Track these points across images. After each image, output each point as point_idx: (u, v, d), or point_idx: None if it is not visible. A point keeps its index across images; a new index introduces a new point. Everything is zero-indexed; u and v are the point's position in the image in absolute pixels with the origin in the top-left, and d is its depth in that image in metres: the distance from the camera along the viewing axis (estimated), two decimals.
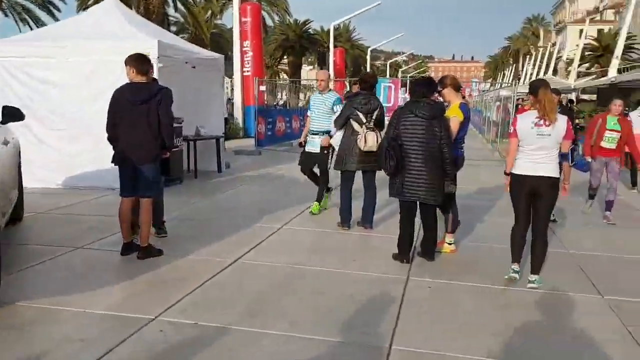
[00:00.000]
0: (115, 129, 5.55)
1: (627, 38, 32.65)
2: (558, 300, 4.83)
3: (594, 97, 31.50)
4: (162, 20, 30.22)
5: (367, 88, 6.86)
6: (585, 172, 7.56)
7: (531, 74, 53.42)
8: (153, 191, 5.70)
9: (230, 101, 25.81)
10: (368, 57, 58.20)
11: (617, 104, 8.02)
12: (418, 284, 5.09)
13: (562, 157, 4.87)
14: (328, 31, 45.30)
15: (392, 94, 13.37)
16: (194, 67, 10.91)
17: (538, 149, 4.83)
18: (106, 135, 5.64)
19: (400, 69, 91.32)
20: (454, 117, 5.85)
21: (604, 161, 8.06)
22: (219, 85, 11.90)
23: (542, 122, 4.78)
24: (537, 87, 4.95)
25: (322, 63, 49.79)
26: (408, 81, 13.44)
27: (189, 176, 10.96)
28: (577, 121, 14.72)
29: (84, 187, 8.99)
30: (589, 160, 7.82)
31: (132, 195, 5.61)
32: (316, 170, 7.83)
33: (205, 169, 11.69)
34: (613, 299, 4.83)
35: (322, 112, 7.50)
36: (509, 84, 25.36)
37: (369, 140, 6.52)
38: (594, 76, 42.72)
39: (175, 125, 10.65)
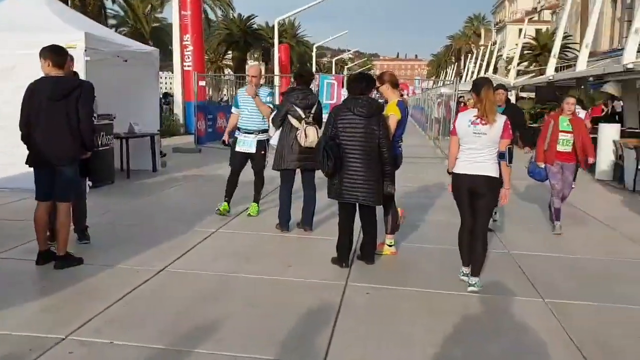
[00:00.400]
0: (29, 127, 5.07)
1: (564, 38, 33.58)
2: (499, 304, 4.69)
3: (532, 94, 32.31)
4: (99, 13, 29.08)
5: (304, 83, 6.58)
6: (543, 181, 7.49)
7: (472, 72, 54.51)
8: (71, 195, 5.24)
9: (169, 97, 25.07)
10: (314, 54, 58.08)
11: (569, 102, 7.22)
12: (356, 290, 4.84)
13: (500, 156, 4.78)
14: (273, 27, 44.85)
15: (335, 91, 13.15)
16: (125, 61, 10.37)
17: (475, 148, 4.77)
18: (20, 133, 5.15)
19: (346, 66, 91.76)
20: (392, 115, 5.69)
21: (560, 165, 7.29)
22: (153, 80, 11.37)
23: (479, 120, 4.72)
24: (480, 85, 4.84)
25: (267, 59, 49.28)
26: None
27: (122, 176, 10.41)
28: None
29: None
30: (542, 166, 7.27)
31: (48, 200, 5.14)
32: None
33: (140, 168, 11.16)
34: (554, 301, 4.73)
35: (256, 109, 7.08)
36: (451, 82, 25.63)
37: (310, 135, 6.26)
38: (532, 74, 43.90)
39: (106, 122, 10.18)
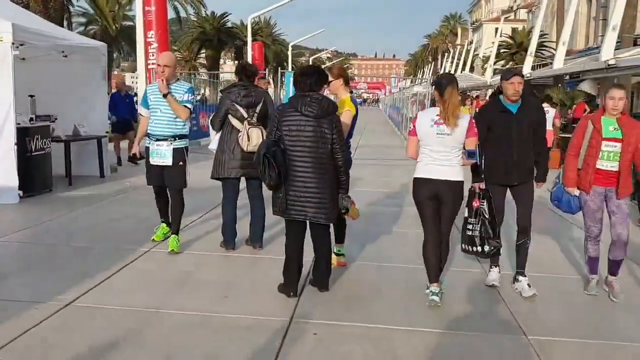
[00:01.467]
0: None
1: (540, 36, 33.26)
2: (472, 341, 3.88)
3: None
4: (62, 10, 27.80)
5: (247, 78, 5.70)
6: (574, 213, 5.14)
7: (449, 71, 54.15)
8: None
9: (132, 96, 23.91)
10: (289, 53, 57.07)
11: (615, 97, 4.67)
12: (302, 330, 3.97)
13: (469, 155, 4.43)
14: (247, 25, 43.85)
15: None
16: (65, 56, 9.40)
17: (438, 150, 4.37)
18: None
19: (323, 66, 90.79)
20: (347, 110, 4.95)
21: (603, 193, 4.84)
22: (100, 78, 10.38)
23: (442, 120, 4.34)
24: (444, 85, 4.38)
25: (239, 57, 48.13)
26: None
27: (64, 183, 9.42)
28: None
29: None
30: (576, 193, 4.93)
31: None
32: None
33: (86, 174, 10.19)
34: (536, 339, 3.93)
35: (169, 108, 5.54)
36: (425, 81, 24.98)
37: (253, 137, 5.38)
38: None
39: (40, 124, 9.18)
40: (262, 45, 45.51)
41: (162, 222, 6.09)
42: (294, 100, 4.44)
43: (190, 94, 5.64)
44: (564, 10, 35.92)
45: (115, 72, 45.26)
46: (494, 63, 44.27)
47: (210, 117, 5.78)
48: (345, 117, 4.94)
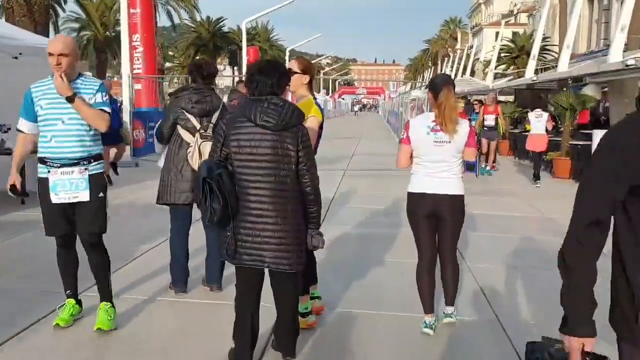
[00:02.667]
0: None
1: (542, 40, 32.33)
2: None
3: (510, 98, 30.86)
4: (46, 14, 26.81)
5: (202, 79, 4.58)
6: None
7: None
8: None
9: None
10: (287, 57, 56.06)
11: None
12: None
13: (469, 168, 4.35)
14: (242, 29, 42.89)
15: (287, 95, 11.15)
16: (15, 58, 8.32)
17: (436, 160, 3.92)
18: None
19: (322, 71, 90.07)
20: (312, 116, 3.90)
21: None
22: None
23: (439, 127, 3.89)
24: (438, 86, 3.94)
25: (234, 63, 47.12)
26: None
27: (16, 201, 8.29)
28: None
29: None
30: None
31: None
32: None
33: None
34: None
35: (77, 117, 3.79)
36: (424, 84, 23.91)
37: (206, 154, 4.25)
38: (510, 77, 42.74)
39: None
40: (258, 50, 44.66)
41: (69, 295, 4.11)
42: (245, 107, 3.31)
43: (104, 93, 3.90)
44: (566, 13, 35.12)
45: (107, 79, 44.18)
46: (495, 67, 43.44)
47: (156, 127, 4.69)
48: (312, 123, 3.86)
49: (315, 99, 4.08)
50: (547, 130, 11.66)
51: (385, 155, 17.23)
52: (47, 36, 26.55)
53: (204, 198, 3.16)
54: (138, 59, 20.63)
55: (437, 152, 3.90)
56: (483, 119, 13.27)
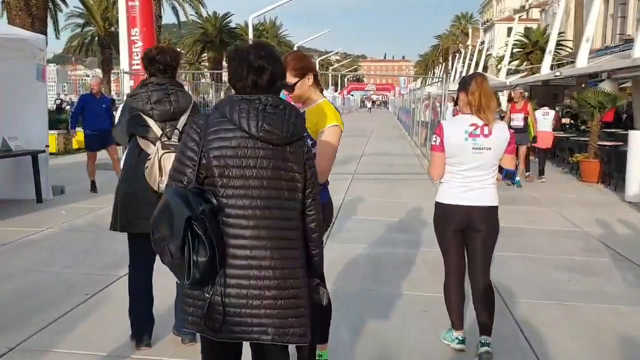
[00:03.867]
0: None
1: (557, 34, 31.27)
2: None
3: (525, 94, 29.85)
4: (45, 8, 25.89)
5: (164, 72, 3.54)
6: None
7: (461, 72, 52.12)
8: None
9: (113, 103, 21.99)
10: None
11: None
12: None
13: (508, 176, 3.58)
14: (249, 24, 41.91)
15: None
16: None
17: (474, 169, 3.46)
18: None
19: (331, 67, 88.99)
20: (333, 126, 2.95)
21: None
22: (36, 78, 8.36)
23: (479, 131, 3.41)
24: (468, 80, 3.51)
25: None
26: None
27: None
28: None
29: None
30: None
31: None
32: None
33: (22, 197, 8.23)
34: None
35: None
36: (439, 79, 22.84)
37: (168, 167, 3.22)
38: (524, 73, 41.61)
39: None
40: None
41: None
42: (228, 107, 2.25)
43: None
44: (581, 8, 33.97)
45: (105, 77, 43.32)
46: (509, 63, 42.37)
47: (114, 131, 3.70)
48: (331, 136, 2.91)
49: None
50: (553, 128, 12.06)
51: (396, 156, 16.26)
52: (45, 32, 25.67)
53: (185, 246, 2.14)
54: (137, 55, 19.64)
55: (476, 160, 3.45)
56: (510, 118, 10.89)
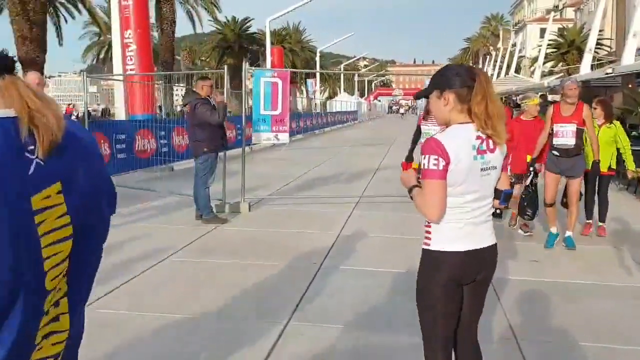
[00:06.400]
0: None
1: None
2: None
3: (557, 97, 27.35)
4: (43, 13, 24.41)
5: None
6: None
7: (492, 75, 49.69)
8: None
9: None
10: (317, 59, 53.20)
11: None
12: None
13: (503, 198, 2.63)
14: (273, 30, 40.19)
15: (278, 95, 8.13)
16: None
17: (481, 198, 2.54)
18: None
19: (357, 72, 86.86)
20: None
21: None
22: None
23: (485, 145, 2.49)
24: (465, 75, 2.51)
25: (255, 64, 44.18)
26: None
27: None
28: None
29: None
30: None
31: None
32: None
33: None
34: None
35: None
36: None
37: None
38: (560, 74, 39.22)
39: None
40: (282, 50, 41.66)
41: None
42: None
43: None
44: (624, 1, 31.50)
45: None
46: (543, 64, 39.96)
47: None
48: None
49: None
50: None
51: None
52: (45, 38, 24.19)
53: None
54: (131, 59, 17.90)
55: (483, 184, 2.52)
56: (554, 134, 6.42)
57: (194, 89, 7.58)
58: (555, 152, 6.42)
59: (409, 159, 5.22)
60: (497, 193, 2.65)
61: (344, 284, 5.16)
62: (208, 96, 7.49)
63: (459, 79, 2.46)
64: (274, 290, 4.94)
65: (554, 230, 6.52)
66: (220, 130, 7.56)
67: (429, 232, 2.54)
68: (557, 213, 6.65)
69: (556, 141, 6.39)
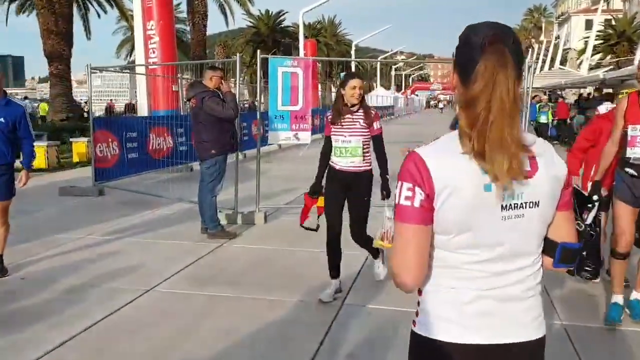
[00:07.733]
0: None
1: None
2: None
3: (609, 90, 25.29)
4: (69, 5, 23.79)
5: None
6: None
7: (534, 69, 47.61)
8: None
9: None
10: (353, 52, 51.82)
11: None
12: None
13: (562, 259, 1.58)
14: (307, 23, 39.11)
15: (299, 88, 6.96)
16: None
17: (509, 255, 1.50)
18: None
19: (394, 66, 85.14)
20: None
21: None
22: None
23: (485, 164, 1.46)
24: (474, 44, 1.47)
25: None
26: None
27: None
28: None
29: None
30: None
31: None
32: None
33: None
34: None
35: None
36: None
37: None
38: (610, 67, 37.12)
39: None
40: (316, 44, 40.36)
41: None
42: None
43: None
44: None
45: None
46: (591, 56, 37.92)
47: None
48: None
49: None
50: None
51: None
52: (71, 30, 23.57)
53: None
54: (153, 51, 16.96)
55: (509, 234, 1.49)
56: (627, 140, 4.03)
57: (202, 81, 6.47)
58: (630, 170, 4.01)
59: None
60: (550, 246, 1.59)
61: (363, 332, 3.94)
62: (217, 88, 6.40)
63: (465, 48, 1.53)
64: (282, 339, 3.78)
65: (619, 298, 4.10)
66: (230, 129, 6.45)
67: (418, 303, 1.61)
68: (627, 268, 4.29)
69: (632, 152, 3.98)
